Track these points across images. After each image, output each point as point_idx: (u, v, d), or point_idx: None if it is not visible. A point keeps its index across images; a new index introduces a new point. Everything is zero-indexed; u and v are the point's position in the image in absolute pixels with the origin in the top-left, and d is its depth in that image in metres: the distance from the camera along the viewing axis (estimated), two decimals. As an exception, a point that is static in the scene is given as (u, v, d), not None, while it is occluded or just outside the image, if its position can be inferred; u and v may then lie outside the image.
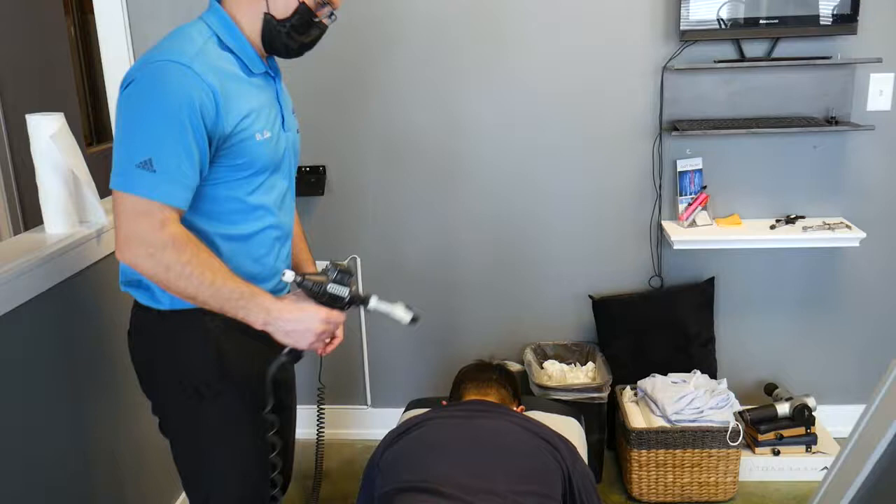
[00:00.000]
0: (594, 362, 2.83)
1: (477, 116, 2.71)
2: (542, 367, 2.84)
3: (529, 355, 2.83)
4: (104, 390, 2.04)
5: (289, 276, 1.44)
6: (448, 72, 2.67)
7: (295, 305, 1.45)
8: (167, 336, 1.54)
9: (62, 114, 1.89)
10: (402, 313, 1.51)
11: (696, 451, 2.54)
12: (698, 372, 2.72)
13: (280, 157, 1.58)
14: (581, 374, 2.79)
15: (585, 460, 2.02)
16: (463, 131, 2.73)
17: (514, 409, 1.91)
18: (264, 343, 1.48)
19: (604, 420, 2.68)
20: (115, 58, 2.66)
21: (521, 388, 2.04)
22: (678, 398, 2.58)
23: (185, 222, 1.45)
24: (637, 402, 2.72)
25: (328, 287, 1.46)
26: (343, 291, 1.47)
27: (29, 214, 3.62)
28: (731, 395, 2.61)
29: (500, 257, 2.85)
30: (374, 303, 1.50)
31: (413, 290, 2.89)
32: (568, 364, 2.87)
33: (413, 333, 2.93)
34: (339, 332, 1.60)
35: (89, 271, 1.98)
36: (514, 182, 2.77)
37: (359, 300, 1.49)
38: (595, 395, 2.60)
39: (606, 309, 2.80)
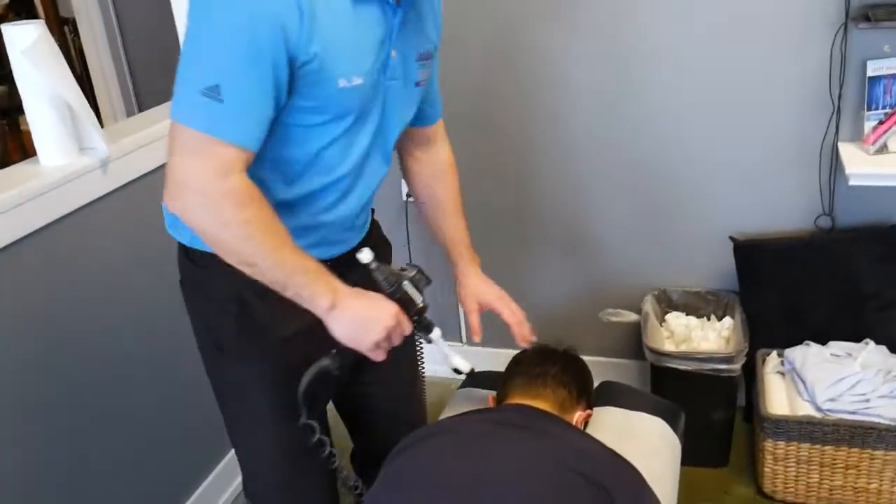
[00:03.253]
0: (732, 318, 2.25)
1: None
2: (663, 321, 2.32)
3: (650, 304, 2.30)
4: (104, 342, 1.77)
5: (366, 255, 1.22)
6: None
7: (366, 292, 1.20)
8: (191, 276, 1.34)
9: (41, 21, 1.58)
10: (459, 360, 1.35)
11: (855, 450, 1.95)
12: (871, 343, 2.08)
13: (368, 107, 1.22)
14: (712, 334, 2.23)
15: (676, 478, 1.54)
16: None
17: (575, 415, 1.44)
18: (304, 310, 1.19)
19: (734, 395, 2.14)
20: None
21: (591, 383, 1.55)
22: (836, 380, 1.97)
23: None
24: (783, 375, 2.14)
25: (404, 284, 1.24)
26: (417, 298, 1.25)
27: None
28: (914, 380, 1.97)
29: (621, 184, 2.28)
30: (436, 334, 1.30)
31: (518, 223, 2.42)
32: (699, 317, 2.31)
33: (518, 268, 2.48)
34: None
35: (93, 207, 1.71)
36: (636, 87, 2.16)
37: (425, 321, 1.29)
38: (723, 367, 2.05)
39: (753, 254, 2.18)
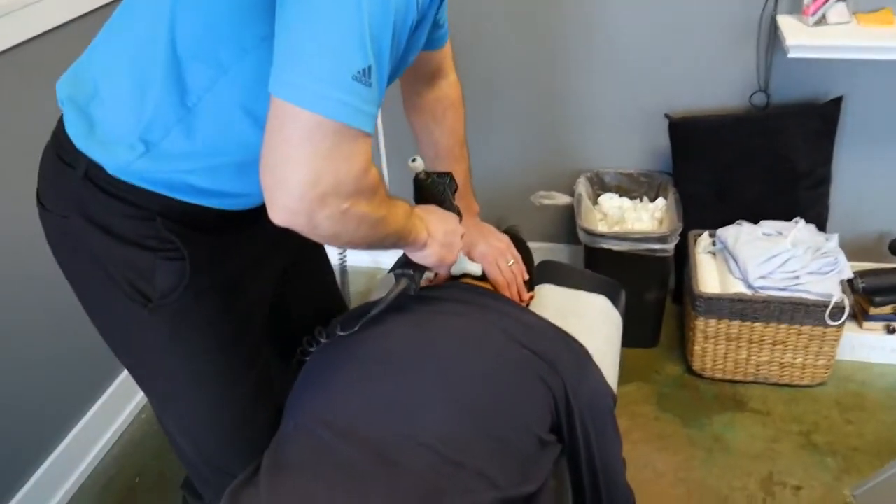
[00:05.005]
0: (665, 199, 2.22)
1: None
2: (596, 203, 2.27)
3: (583, 186, 2.24)
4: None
5: (419, 164, 1.19)
6: None
7: (430, 209, 1.15)
8: (94, 207, 1.01)
9: None
10: (473, 266, 1.36)
11: (783, 326, 1.97)
12: (802, 221, 2.09)
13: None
14: (645, 214, 2.20)
15: (618, 354, 1.51)
16: None
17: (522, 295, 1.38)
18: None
19: (667, 276, 2.13)
20: None
21: (533, 261, 1.49)
22: (768, 258, 1.98)
23: (216, 84, 0.91)
24: (714, 255, 2.14)
25: (447, 193, 1.21)
26: (454, 207, 1.21)
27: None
28: (842, 256, 1.98)
29: (552, 63, 2.17)
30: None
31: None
32: (632, 199, 2.27)
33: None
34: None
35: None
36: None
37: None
38: (657, 246, 2.03)
39: (688, 132, 2.13)
